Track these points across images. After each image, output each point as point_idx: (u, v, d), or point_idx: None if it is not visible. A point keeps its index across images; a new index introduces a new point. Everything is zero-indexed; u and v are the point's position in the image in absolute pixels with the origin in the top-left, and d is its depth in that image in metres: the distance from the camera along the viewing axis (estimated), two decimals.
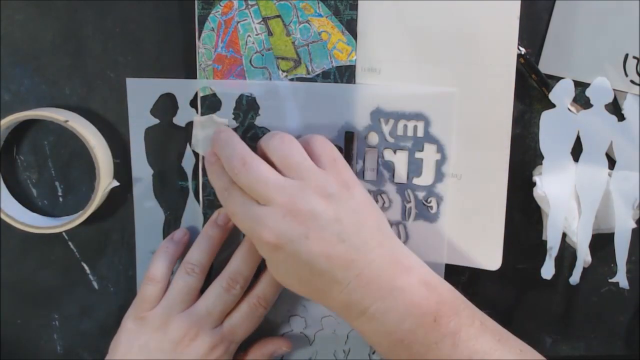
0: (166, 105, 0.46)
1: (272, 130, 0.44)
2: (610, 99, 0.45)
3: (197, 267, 0.43)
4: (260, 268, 0.45)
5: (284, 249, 0.38)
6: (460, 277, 0.48)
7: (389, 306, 0.37)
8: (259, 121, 0.45)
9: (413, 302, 0.38)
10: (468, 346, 0.37)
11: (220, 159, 0.41)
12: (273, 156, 0.40)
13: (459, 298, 0.39)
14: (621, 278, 0.46)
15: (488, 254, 0.45)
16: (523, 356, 0.38)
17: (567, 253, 0.48)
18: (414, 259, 0.40)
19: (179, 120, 0.46)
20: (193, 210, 0.47)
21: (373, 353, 0.48)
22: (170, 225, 0.47)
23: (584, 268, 0.46)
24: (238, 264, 0.44)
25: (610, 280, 0.47)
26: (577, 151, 0.45)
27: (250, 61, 0.44)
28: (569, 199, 0.45)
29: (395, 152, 0.45)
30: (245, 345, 0.46)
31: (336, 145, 0.44)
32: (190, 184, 0.47)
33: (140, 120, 0.46)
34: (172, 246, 0.45)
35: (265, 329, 0.48)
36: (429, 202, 0.45)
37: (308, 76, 0.44)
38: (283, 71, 0.44)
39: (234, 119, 0.45)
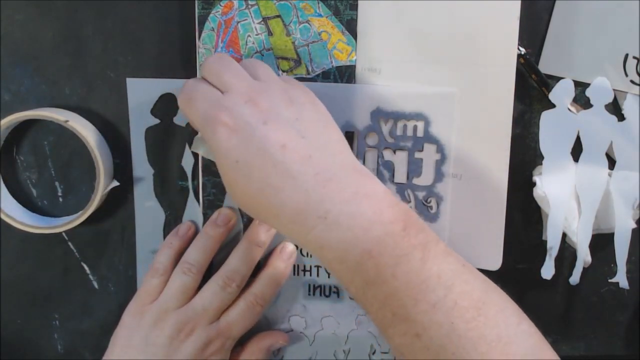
0: (166, 105, 0.46)
1: None
2: (610, 99, 0.45)
3: (194, 267, 0.43)
4: (259, 266, 0.46)
5: (239, 133, 0.35)
6: None
7: (355, 211, 0.34)
8: None
9: (381, 208, 0.35)
10: (436, 263, 0.34)
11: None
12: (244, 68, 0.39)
13: (420, 218, 0.37)
14: (621, 278, 0.46)
15: (488, 254, 0.45)
16: (487, 285, 0.36)
17: (567, 253, 0.48)
18: (374, 176, 0.38)
19: (180, 120, 0.46)
20: (193, 210, 0.47)
21: (373, 353, 0.48)
22: (170, 225, 0.47)
23: (584, 268, 0.46)
24: (235, 262, 0.44)
25: (610, 280, 0.47)
26: (577, 151, 0.45)
27: None
28: (569, 199, 0.45)
29: (395, 152, 0.45)
30: (242, 340, 0.46)
31: None
32: (190, 184, 0.47)
33: (140, 120, 0.46)
34: (177, 241, 0.45)
35: (265, 329, 0.48)
36: (429, 202, 0.45)
37: (308, 76, 0.44)
38: (283, 71, 0.44)
39: None
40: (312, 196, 0.34)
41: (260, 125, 0.35)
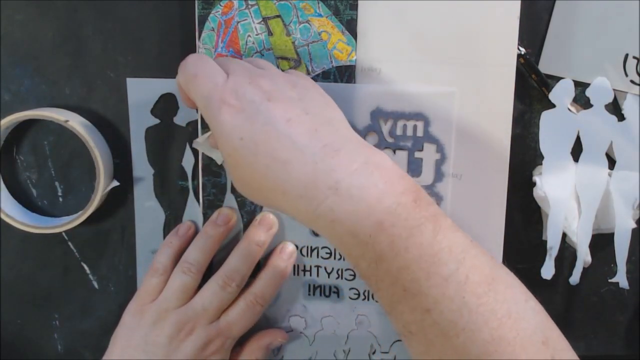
0: (166, 105, 0.46)
1: None
2: (610, 99, 0.45)
3: (193, 267, 0.43)
4: (259, 265, 0.46)
5: (244, 112, 0.35)
6: None
7: (365, 181, 0.33)
8: None
9: (392, 178, 0.34)
10: (447, 236, 0.34)
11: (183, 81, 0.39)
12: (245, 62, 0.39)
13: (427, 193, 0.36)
14: (621, 278, 0.46)
15: None
16: (494, 262, 0.36)
17: (567, 253, 0.48)
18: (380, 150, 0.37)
19: (180, 120, 0.46)
20: (193, 210, 0.47)
21: (373, 353, 0.48)
22: (170, 225, 0.47)
23: (584, 268, 0.46)
24: (235, 261, 0.44)
25: (610, 280, 0.47)
26: (577, 151, 0.46)
27: None
28: (569, 199, 0.45)
29: (394, 151, 0.45)
30: (242, 340, 0.46)
31: None
32: (190, 184, 0.47)
33: (140, 120, 0.46)
34: (176, 240, 0.45)
35: (265, 329, 0.48)
36: None
37: (308, 76, 0.44)
38: (283, 71, 0.44)
39: None
40: (320, 167, 0.33)
41: (265, 102, 0.35)
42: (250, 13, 0.44)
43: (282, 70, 0.44)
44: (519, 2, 0.42)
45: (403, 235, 0.33)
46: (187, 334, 0.42)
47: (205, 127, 0.45)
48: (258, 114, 0.34)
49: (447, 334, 0.33)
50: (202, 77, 0.37)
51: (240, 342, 0.46)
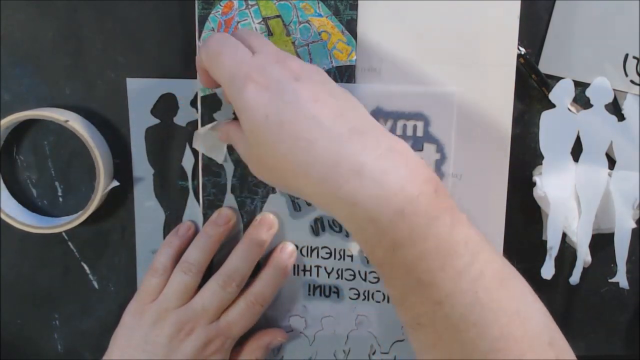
0: (166, 105, 0.46)
1: None
2: (610, 99, 0.45)
3: (194, 267, 0.43)
4: (259, 265, 0.46)
5: (270, 90, 0.34)
6: None
7: (390, 166, 0.33)
8: None
9: (414, 167, 0.34)
10: (463, 230, 0.34)
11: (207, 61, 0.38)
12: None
13: None
14: (621, 278, 0.46)
15: None
16: (505, 261, 0.36)
17: (567, 253, 0.48)
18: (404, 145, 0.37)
19: (180, 120, 0.46)
20: (193, 210, 0.47)
21: (373, 353, 0.48)
22: (170, 225, 0.47)
23: (584, 268, 0.46)
24: (235, 261, 0.44)
25: (610, 280, 0.47)
26: (577, 151, 0.46)
27: None
28: (569, 199, 0.45)
29: None
30: (242, 340, 0.46)
31: None
32: (190, 184, 0.47)
33: (140, 120, 0.46)
34: (177, 240, 0.45)
35: (264, 329, 0.48)
36: None
37: None
38: None
39: (234, 119, 0.45)
40: (346, 148, 0.33)
41: (292, 82, 0.34)
42: (250, 13, 0.44)
43: None
44: (519, 2, 0.42)
45: (423, 225, 0.33)
46: (187, 334, 0.42)
47: (205, 116, 0.45)
48: (285, 93, 0.34)
49: (458, 327, 0.33)
50: (227, 54, 0.36)
51: (240, 342, 0.46)
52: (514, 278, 0.35)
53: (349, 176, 0.33)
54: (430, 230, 0.33)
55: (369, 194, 0.33)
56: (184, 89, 0.45)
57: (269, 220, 0.45)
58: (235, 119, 0.41)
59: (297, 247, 0.46)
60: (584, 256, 0.46)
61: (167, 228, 0.47)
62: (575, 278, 0.46)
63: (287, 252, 0.46)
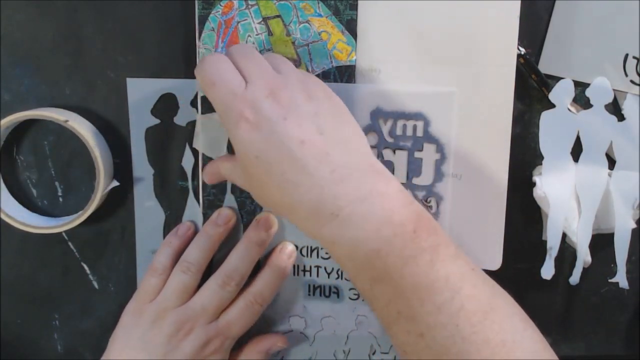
0: (166, 105, 0.46)
1: None
2: (610, 99, 0.45)
3: (193, 266, 0.43)
4: (259, 265, 0.46)
5: (260, 129, 0.36)
6: None
7: (366, 210, 0.35)
8: None
9: (393, 208, 0.35)
10: (445, 266, 0.35)
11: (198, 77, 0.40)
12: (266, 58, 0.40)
13: (433, 219, 0.38)
14: (621, 278, 0.46)
15: (488, 254, 0.45)
16: (495, 290, 0.37)
17: (567, 253, 0.48)
18: (390, 174, 0.38)
19: (180, 120, 0.46)
20: (193, 210, 0.47)
21: (373, 354, 0.48)
22: (170, 225, 0.47)
23: (584, 268, 0.46)
24: (235, 261, 0.44)
25: (610, 280, 0.47)
26: (577, 151, 0.45)
27: None
28: (569, 199, 0.45)
29: (394, 151, 0.45)
30: (241, 343, 0.46)
31: None
32: (190, 184, 0.47)
33: (140, 120, 0.46)
34: (176, 240, 0.45)
35: (265, 329, 0.48)
36: (429, 202, 0.45)
37: None
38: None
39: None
40: (326, 193, 0.35)
41: (281, 121, 0.36)
42: (250, 13, 0.44)
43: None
44: (519, 2, 0.42)
45: (398, 264, 0.35)
46: (185, 334, 0.42)
47: (207, 111, 0.45)
48: (273, 134, 0.36)
49: (440, 358, 0.34)
50: (220, 86, 0.37)
51: (240, 344, 0.46)
52: (502, 308, 0.36)
53: (328, 219, 0.35)
54: (406, 270, 0.34)
55: (347, 236, 0.35)
56: (184, 89, 0.45)
57: (268, 221, 0.45)
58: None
59: (297, 247, 0.46)
60: (584, 256, 0.46)
61: (167, 228, 0.48)
62: (575, 278, 0.46)
63: (287, 252, 0.46)
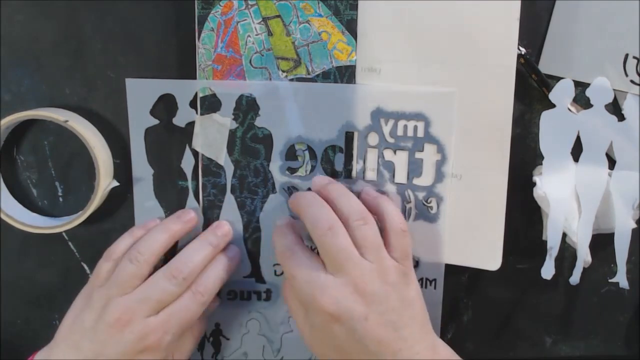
0: (166, 105, 0.46)
1: (275, 133, 0.44)
2: (610, 99, 0.45)
3: (141, 256, 0.42)
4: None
5: (343, 324, 0.39)
6: (460, 277, 0.48)
7: None
8: (258, 122, 0.45)
9: None
10: None
11: (300, 215, 0.43)
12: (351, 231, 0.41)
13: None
14: (621, 278, 0.46)
15: (488, 254, 0.45)
16: None
17: (567, 253, 0.48)
18: (449, 351, 0.42)
19: (179, 120, 0.46)
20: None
21: None
22: None
23: (584, 268, 0.46)
24: (185, 256, 0.43)
25: (610, 280, 0.47)
26: (577, 151, 0.45)
27: (250, 61, 0.44)
28: (569, 199, 0.45)
29: (395, 152, 0.45)
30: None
31: (336, 145, 0.45)
32: (190, 184, 0.47)
33: (140, 120, 0.46)
34: (139, 231, 0.45)
35: (264, 330, 0.48)
36: (429, 203, 0.45)
37: (308, 76, 0.44)
38: (283, 71, 0.44)
39: (233, 119, 0.45)
40: None
41: (363, 321, 0.39)
42: (250, 13, 0.44)
43: (283, 72, 0.44)
44: (519, 2, 0.42)
45: None
46: (124, 325, 0.41)
47: (206, 112, 0.45)
48: (354, 332, 0.39)
49: None
50: (300, 281, 0.41)
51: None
52: None
53: None
54: None
55: None
56: (183, 89, 0.45)
57: (224, 229, 0.46)
58: None
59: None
60: (584, 256, 0.46)
61: None
62: (575, 278, 0.46)
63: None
